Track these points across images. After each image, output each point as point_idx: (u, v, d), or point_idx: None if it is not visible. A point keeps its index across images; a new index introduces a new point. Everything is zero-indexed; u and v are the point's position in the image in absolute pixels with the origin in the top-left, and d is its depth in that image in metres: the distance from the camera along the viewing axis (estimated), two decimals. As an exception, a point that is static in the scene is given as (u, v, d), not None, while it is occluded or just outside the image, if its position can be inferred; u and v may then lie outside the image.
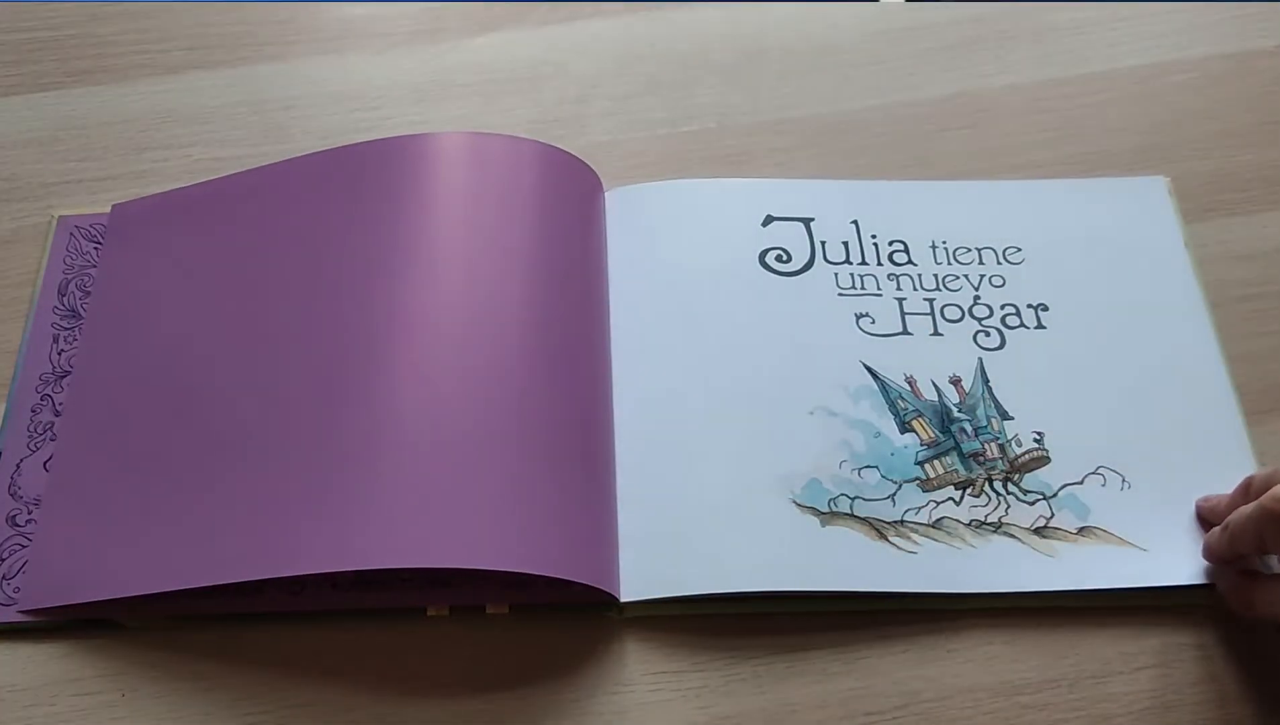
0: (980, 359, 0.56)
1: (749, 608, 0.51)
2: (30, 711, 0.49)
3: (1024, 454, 0.53)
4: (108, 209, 0.62)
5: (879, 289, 0.59)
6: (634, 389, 0.55)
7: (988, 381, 0.56)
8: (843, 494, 0.52)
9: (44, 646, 0.50)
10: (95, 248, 0.60)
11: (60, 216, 0.62)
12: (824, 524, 0.51)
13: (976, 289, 0.59)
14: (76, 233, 0.61)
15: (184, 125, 0.66)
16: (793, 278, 0.59)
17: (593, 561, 0.50)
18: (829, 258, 0.60)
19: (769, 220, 0.61)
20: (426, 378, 0.52)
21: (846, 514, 0.52)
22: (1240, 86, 0.67)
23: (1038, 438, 0.54)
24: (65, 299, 0.59)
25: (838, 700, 0.49)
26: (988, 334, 0.58)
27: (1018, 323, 0.58)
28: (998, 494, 0.52)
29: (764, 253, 0.60)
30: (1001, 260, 0.60)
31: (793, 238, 0.60)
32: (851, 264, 0.59)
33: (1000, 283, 0.59)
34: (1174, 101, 0.66)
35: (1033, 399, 0.55)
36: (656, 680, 0.50)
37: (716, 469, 0.53)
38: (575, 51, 0.69)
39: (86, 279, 0.60)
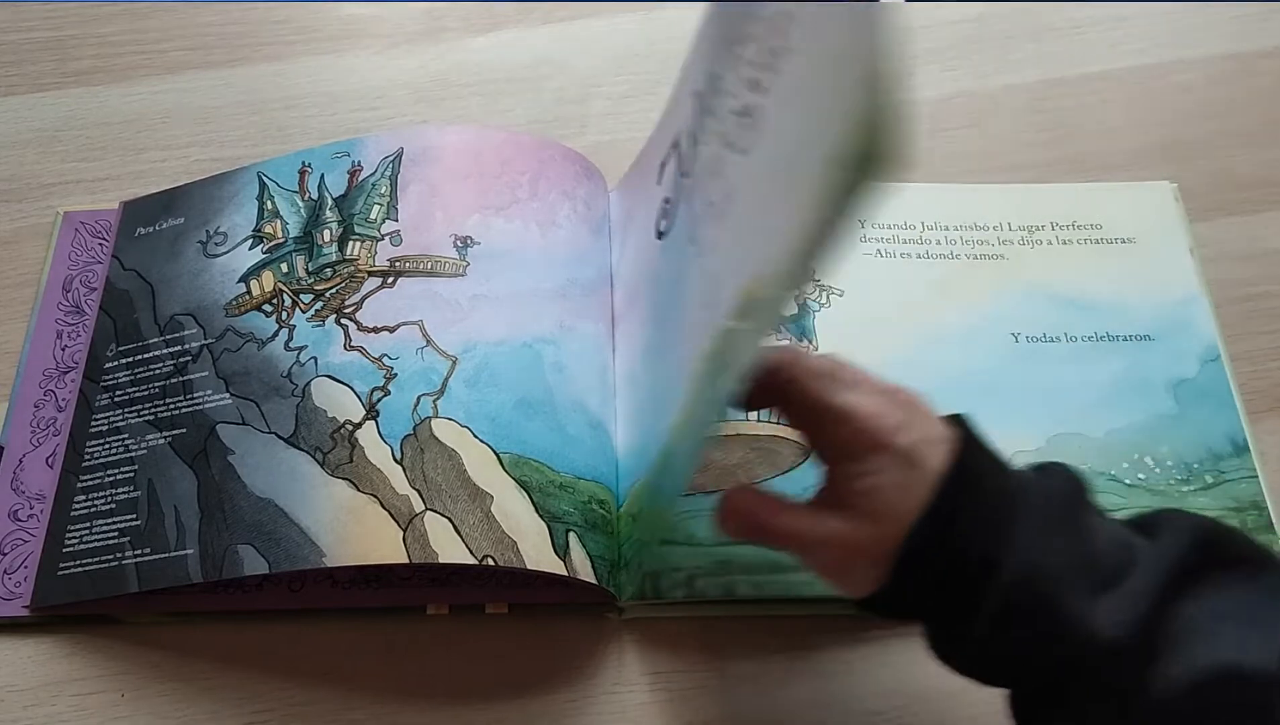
0: None
1: (749, 608, 0.51)
2: (30, 711, 0.49)
3: None
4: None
5: None
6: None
7: None
8: None
9: (45, 646, 0.50)
10: (100, 244, 0.61)
11: (66, 212, 0.62)
12: None
13: None
14: (82, 229, 0.61)
15: (184, 125, 0.66)
16: None
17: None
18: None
19: None
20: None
21: None
22: (1241, 86, 0.67)
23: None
24: (69, 295, 0.59)
25: (838, 700, 0.49)
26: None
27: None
28: None
29: None
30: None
31: None
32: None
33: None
34: (1174, 101, 0.66)
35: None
36: (656, 680, 0.49)
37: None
38: (575, 51, 0.69)
39: (91, 275, 0.60)
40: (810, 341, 0.57)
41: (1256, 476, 0.53)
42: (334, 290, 0.54)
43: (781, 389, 0.42)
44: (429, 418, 0.50)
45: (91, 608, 0.51)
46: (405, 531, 0.48)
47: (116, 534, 0.51)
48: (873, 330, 0.57)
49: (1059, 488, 0.40)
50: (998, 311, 0.58)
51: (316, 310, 0.54)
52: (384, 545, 0.48)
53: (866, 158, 0.28)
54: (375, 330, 0.53)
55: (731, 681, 0.49)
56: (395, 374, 0.52)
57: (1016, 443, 0.54)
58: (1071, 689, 0.37)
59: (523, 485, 0.49)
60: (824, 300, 0.58)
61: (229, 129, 0.66)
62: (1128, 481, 0.53)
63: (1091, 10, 0.70)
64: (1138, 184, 0.62)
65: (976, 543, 0.38)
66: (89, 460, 0.54)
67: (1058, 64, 0.68)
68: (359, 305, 0.54)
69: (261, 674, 0.49)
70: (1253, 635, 0.36)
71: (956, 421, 0.42)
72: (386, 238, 0.55)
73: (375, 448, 0.50)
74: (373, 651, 0.50)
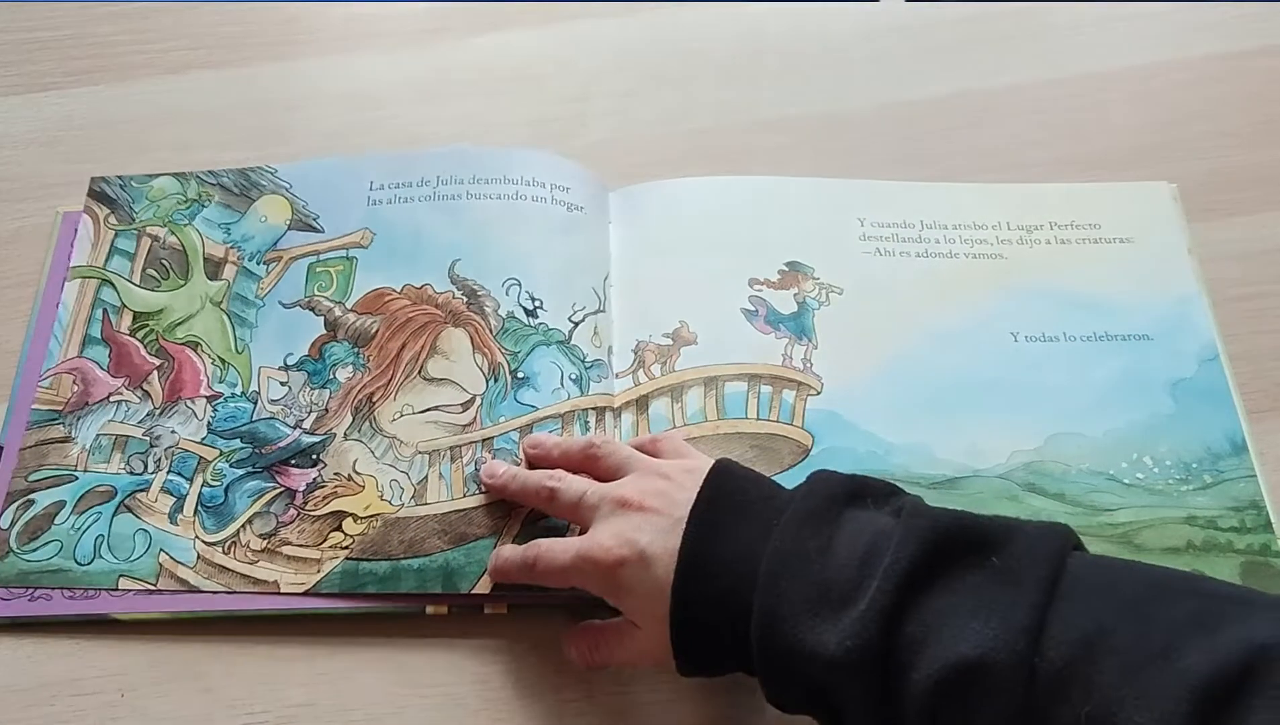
0: None
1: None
2: (29, 711, 0.49)
3: None
4: (108, 208, 0.62)
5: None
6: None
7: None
8: None
9: (44, 646, 0.50)
10: (96, 247, 0.61)
11: (65, 212, 0.62)
12: None
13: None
14: (78, 231, 0.61)
15: (184, 125, 0.66)
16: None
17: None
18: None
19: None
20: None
21: None
22: (1240, 86, 0.67)
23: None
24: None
25: (837, 699, 0.49)
26: None
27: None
28: None
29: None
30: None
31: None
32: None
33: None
34: (1174, 101, 0.66)
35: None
36: (656, 680, 0.49)
37: None
38: (575, 51, 0.69)
39: (87, 278, 0.60)
40: (810, 340, 0.57)
41: (1255, 476, 0.53)
42: None
43: (529, 578, 0.47)
44: None
45: (84, 605, 0.50)
46: None
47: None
48: (872, 329, 0.57)
49: (811, 508, 0.42)
50: (997, 311, 0.58)
51: None
52: None
53: None
54: None
55: (731, 681, 0.49)
56: None
57: (1015, 442, 0.54)
58: (842, 710, 0.39)
59: None
60: (823, 299, 0.58)
61: (230, 129, 0.66)
62: (1126, 481, 0.53)
63: (1091, 10, 0.70)
64: (1137, 184, 0.62)
65: (729, 597, 0.41)
66: None
67: (1058, 64, 0.68)
68: None
69: (260, 675, 0.49)
70: (976, 624, 0.37)
71: (712, 470, 0.45)
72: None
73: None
74: (373, 653, 0.50)
